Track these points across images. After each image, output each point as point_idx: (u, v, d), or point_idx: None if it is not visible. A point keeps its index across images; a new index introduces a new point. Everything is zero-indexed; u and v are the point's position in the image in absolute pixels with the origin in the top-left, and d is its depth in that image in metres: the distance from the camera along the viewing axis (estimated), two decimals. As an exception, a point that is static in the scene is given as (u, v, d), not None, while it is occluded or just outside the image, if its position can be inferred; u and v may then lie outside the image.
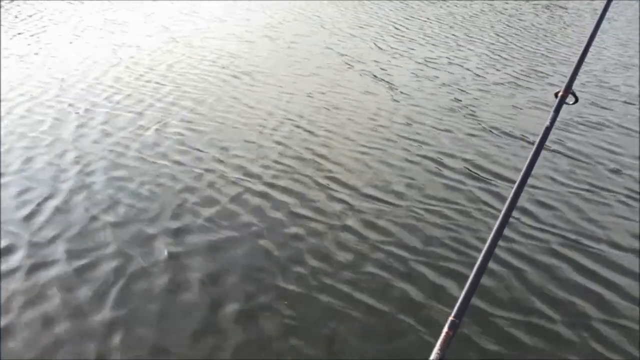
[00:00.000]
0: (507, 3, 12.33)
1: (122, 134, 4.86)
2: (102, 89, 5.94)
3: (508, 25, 10.07)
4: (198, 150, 4.64)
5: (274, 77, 6.61)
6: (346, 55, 7.72)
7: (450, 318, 1.17)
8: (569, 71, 1.61)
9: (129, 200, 3.84)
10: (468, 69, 7.35)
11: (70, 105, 5.45)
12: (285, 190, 4.08)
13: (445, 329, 1.15)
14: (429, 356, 1.11)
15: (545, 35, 9.49)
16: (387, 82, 6.69)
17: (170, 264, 3.21)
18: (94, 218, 3.61)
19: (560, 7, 12.21)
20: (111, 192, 3.94)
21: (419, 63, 7.51)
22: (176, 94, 5.90)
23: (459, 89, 6.57)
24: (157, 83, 6.19)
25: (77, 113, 5.26)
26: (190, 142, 4.79)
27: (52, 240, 3.36)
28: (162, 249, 3.33)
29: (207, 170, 4.30)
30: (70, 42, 7.65)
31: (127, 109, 5.41)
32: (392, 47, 8.25)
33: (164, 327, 2.76)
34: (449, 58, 7.84)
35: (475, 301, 3.00)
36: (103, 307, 2.86)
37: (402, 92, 6.35)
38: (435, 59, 7.77)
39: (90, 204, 3.76)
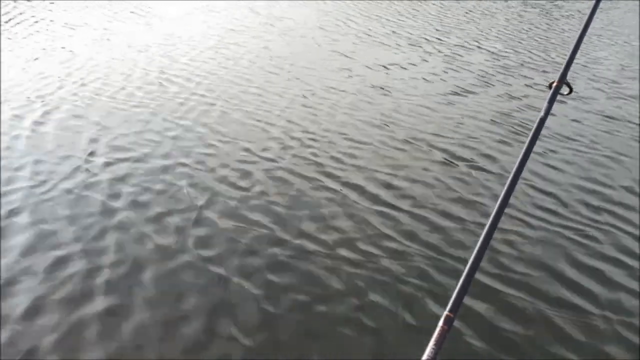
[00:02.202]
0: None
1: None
2: (36, 92, 5.84)
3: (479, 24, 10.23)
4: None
5: (202, 82, 6.50)
6: (288, 57, 7.67)
7: (445, 313, 1.19)
8: (563, 61, 1.65)
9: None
10: (415, 74, 7.34)
11: None
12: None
13: (440, 324, 1.17)
14: (425, 351, 1.12)
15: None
16: (312, 85, 6.62)
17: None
18: None
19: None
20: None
21: (367, 67, 7.50)
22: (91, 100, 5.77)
23: (401, 95, 6.51)
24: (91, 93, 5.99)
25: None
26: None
27: None
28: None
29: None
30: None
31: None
32: (340, 50, 8.24)
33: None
34: (408, 60, 7.91)
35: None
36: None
37: (324, 98, 6.23)
38: (393, 62, 7.79)
39: None
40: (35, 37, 7.80)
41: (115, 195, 3.96)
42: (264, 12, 10.36)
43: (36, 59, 6.86)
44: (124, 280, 3.14)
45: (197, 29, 8.88)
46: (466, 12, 11.46)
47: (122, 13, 9.56)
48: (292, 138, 5.14)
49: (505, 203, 1.32)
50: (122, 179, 4.19)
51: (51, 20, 8.76)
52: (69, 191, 3.99)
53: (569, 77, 1.57)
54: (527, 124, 5.76)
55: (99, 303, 2.95)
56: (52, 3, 9.88)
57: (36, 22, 8.62)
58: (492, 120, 5.87)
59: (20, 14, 9.03)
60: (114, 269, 3.21)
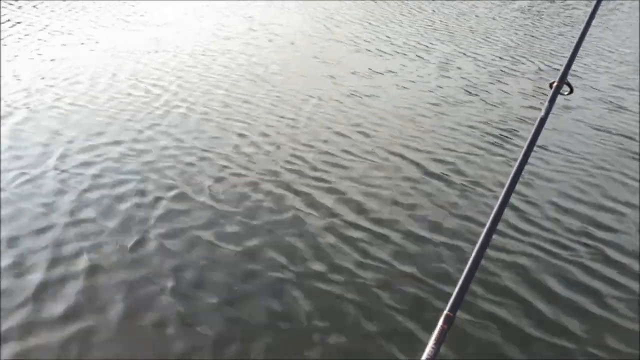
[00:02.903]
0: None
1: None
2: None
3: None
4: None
5: (169, 87, 6.41)
6: (268, 64, 7.56)
7: (445, 312, 1.20)
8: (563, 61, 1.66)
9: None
10: (400, 82, 7.26)
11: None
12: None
13: (440, 323, 1.17)
14: (424, 351, 1.12)
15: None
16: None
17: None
18: None
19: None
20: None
21: (351, 75, 7.42)
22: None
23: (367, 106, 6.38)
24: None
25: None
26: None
27: None
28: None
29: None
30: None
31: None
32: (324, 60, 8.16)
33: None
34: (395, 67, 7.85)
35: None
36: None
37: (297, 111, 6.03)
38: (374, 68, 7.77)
39: None
40: (10, 40, 7.75)
41: (58, 204, 3.89)
42: (253, 18, 10.35)
43: (8, 61, 6.83)
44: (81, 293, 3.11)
45: (180, 35, 8.81)
46: (456, 17, 11.53)
47: (105, 18, 9.52)
48: (255, 147, 5.01)
49: (507, 199, 1.33)
50: (67, 187, 4.12)
51: (29, 25, 8.70)
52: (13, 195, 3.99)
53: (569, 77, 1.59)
54: (515, 136, 5.75)
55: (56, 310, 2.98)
56: (35, 7, 9.81)
57: (12, 26, 8.56)
58: (478, 131, 5.82)
59: (3, 15, 8.98)
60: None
